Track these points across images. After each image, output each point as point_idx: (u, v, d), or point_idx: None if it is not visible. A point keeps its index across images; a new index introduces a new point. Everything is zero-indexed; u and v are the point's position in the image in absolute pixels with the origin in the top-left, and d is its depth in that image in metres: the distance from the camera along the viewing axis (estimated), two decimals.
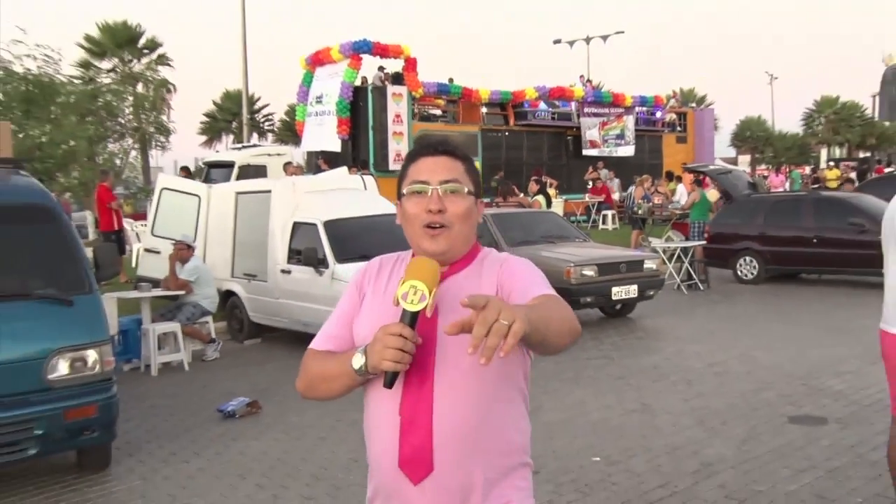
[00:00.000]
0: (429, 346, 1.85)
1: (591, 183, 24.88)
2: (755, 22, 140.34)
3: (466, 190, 1.95)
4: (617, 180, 25.22)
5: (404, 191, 1.97)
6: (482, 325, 1.50)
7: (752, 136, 59.66)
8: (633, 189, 20.75)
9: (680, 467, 5.13)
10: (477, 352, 1.50)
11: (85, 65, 35.99)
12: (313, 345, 2.06)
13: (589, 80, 30.53)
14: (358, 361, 1.83)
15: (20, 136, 16.16)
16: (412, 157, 2.02)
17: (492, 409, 1.90)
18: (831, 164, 36.71)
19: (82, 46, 37.60)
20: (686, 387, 7.15)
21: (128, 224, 16.64)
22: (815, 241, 12.91)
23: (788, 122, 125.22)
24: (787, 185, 30.66)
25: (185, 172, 17.60)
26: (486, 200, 20.97)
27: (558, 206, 21.10)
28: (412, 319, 1.75)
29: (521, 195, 18.05)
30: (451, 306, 1.84)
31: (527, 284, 1.93)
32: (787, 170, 38.13)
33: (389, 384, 1.79)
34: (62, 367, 4.97)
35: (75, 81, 20.98)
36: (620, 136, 28.13)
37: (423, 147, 2.02)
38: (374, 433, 1.95)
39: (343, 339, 2.01)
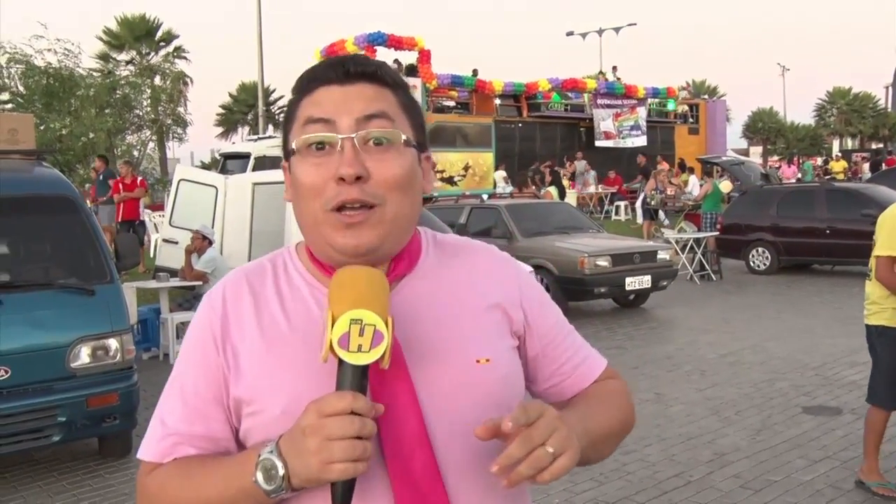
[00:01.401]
0: (405, 405, 1.09)
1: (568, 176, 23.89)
2: (767, 13, 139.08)
3: (403, 138, 1.15)
4: (593, 173, 24.26)
5: (293, 144, 1.15)
6: (524, 445, 1.01)
7: (763, 128, 59.20)
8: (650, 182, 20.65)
9: (695, 457, 5.11)
10: (502, 467, 1.01)
11: (104, 57, 36.22)
12: (154, 455, 1.17)
13: (602, 73, 30.37)
14: (270, 474, 1.03)
15: (42, 128, 16.26)
16: (303, 87, 1.18)
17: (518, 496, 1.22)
18: (838, 155, 36.44)
19: (101, 39, 37.87)
20: (700, 377, 7.11)
21: (146, 215, 16.72)
22: (827, 231, 12.82)
23: (800, 113, 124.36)
24: (799, 177, 30.47)
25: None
26: (498, 191, 21.01)
27: (572, 196, 21.05)
28: (362, 376, 1.02)
29: (534, 187, 18.01)
30: (418, 335, 1.13)
31: (561, 334, 1.30)
32: (799, 161, 37.88)
33: (344, 499, 1.01)
34: (84, 356, 5.01)
35: (94, 74, 21.04)
36: (635, 127, 28.00)
37: (321, 67, 1.17)
38: None
39: (214, 440, 1.16)
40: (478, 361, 1.15)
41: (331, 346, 1.01)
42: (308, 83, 1.17)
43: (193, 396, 1.17)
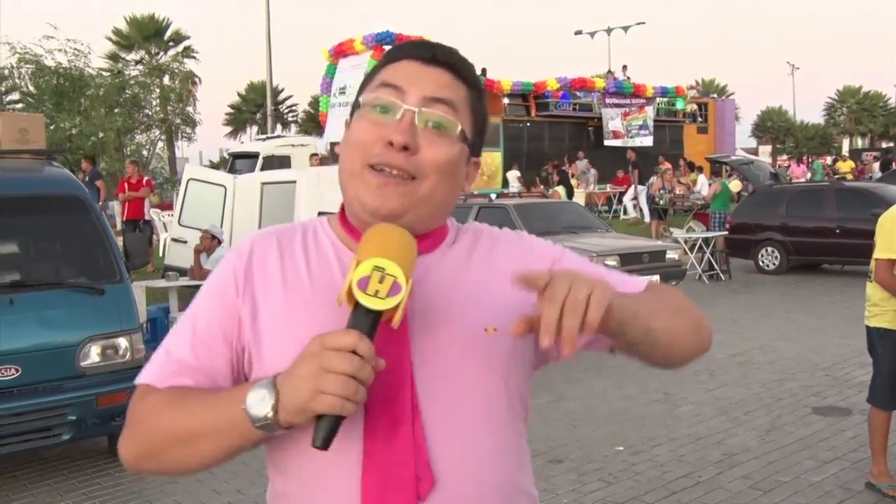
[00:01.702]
0: (400, 372, 1.12)
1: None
2: (776, 12, 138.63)
3: (460, 129, 1.19)
4: (594, 171, 23.88)
5: (360, 99, 1.20)
6: (552, 303, 0.99)
7: (773, 127, 59.04)
8: (654, 179, 20.60)
9: (704, 457, 5.10)
10: (550, 335, 0.99)
11: (113, 57, 36.42)
12: (153, 378, 1.19)
13: (611, 72, 30.30)
14: (261, 402, 1.04)
15: (52, 128, 16.34)
16: (389, 56, 1.24)
17: (508, 456, 1.21)
18: (845, 155, 36.22)
19: (111, 39, 38.09)
20: (709, 377, 7.09)
21: (155, 214, 16.77)
22: (837, 231, 12.76)
23: (810, 112, 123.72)
24: (809, 176, 30.33)
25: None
26: (510, 191, 21.01)
27: (580, 196, 21.01)
28: (371, 326, 1.03)
29: (542, 186, 17.99)
30: (423, 305, 1.15)
31: (610, 278, 1.23)
32: (809, 160, 37.73)
33: (324, 441, 1.01)
34: (94, 355, 5.02)
35: (104, 74, 21.13)
36: (644, 126, 27.92)
37: (411, 45, 1.24)
38: None
39: (212, 375, 1.18)
40: (486, 330, 1.17)
41: (349, 289, 1.03)
42: (396, 52, 1.23)
43: (204, 329, 1.20)
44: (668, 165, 20.70)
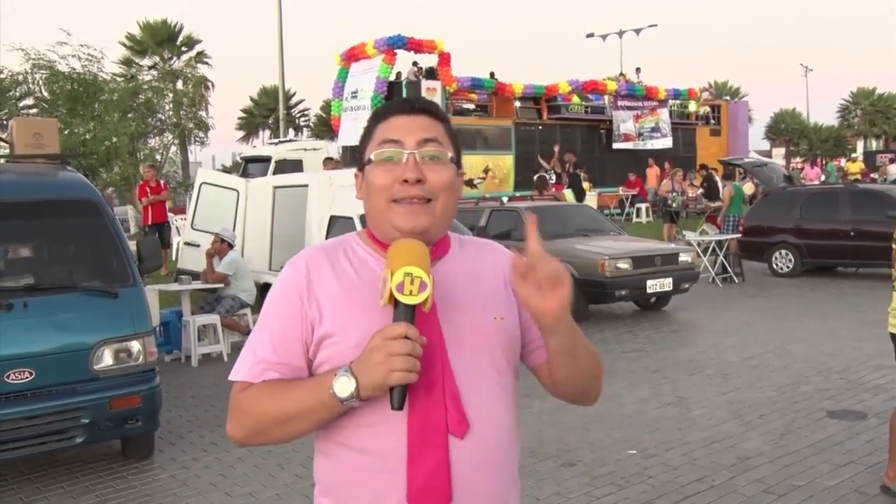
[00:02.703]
0: (434, 344, 1.50)
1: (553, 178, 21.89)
2: (790, 13, 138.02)
3: (449, 156, 1.59)
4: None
5: (370, 156, 1.58)
6: (550, 261, 1.43)
7: (786, 129, 58.68)
8: (665, 183, 20.53)
9: (717, 461, 5.07)
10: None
11: (127, 62, 36.67)
12: (247, 376, 1.57)
13: (622, 74, 30.19)
14: (345, 386, 1.43)
15: (66, 133, 16.42)
16: (379, 116, 1.63)
17: (513, 411, 1.62)
18: (854, 156, 35.76)
19: (124, 45, 38.35)
20: (722, 380, 7.05)
21: (169, 218, 16.84)
22: (852, 233, 12.67)
23: (824, 114, 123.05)
24: (823, 178, 30.12)
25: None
26: (524, 194, 20.97)
27: (592, 199, 20.93)
28: (411, 316, 1.43)
29: (554, 189, 17.94)
30: (448, 297, 1.56)
31: None
32: (823, 162, 37.43)
33: (400, 404, 1.42)
34: (108, 358, 5.05)
35: (118, 79, 21.22)
36: (656, 129, 27.80)
37: (394, 104, 1.64)
38: (361, 475, 1.52)
39: (292, 367, 1.56)
40: (495, 318, 1.59)
41: (390, 293, 1.41)
42: (383, 113, 1.62)
43: (280, 334, 1.57)
44: (656, 170, 20.56)
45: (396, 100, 1.68)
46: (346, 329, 1.53)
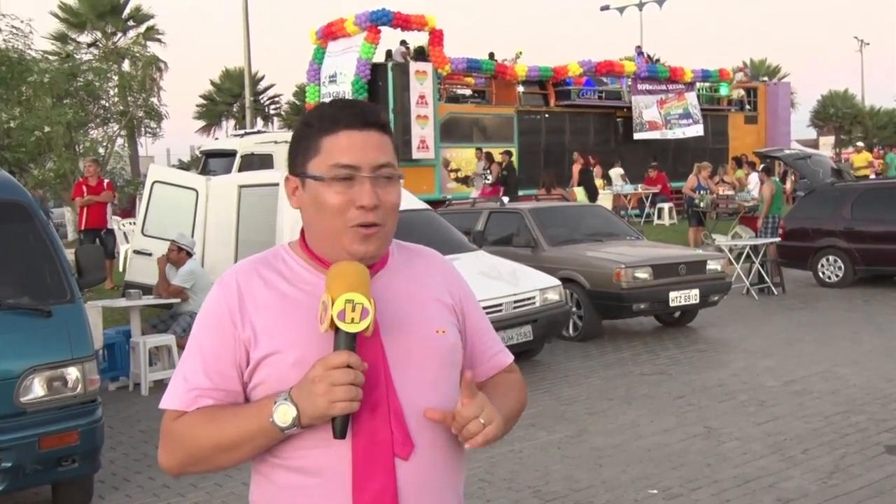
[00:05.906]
0: (377, 365, 1.71)
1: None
2: None
3: (399, 175, 1.80)
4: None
5: (321, 174, 1.74)
6: (460, 422, 1.67)
7: (836, 114, 58.81)
8: (690, 178, 20.58)
9: (753, 503, 5.06)
10: (458, 427, 1.69)
11: (61, 38, 36.40)
12: (180, 404, 1.74)
13: (642, 52, 30.29)
14: (286, 414, 1.62)
15: None
16: (325, 126, 1.77)
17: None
18: (860, 145, 35.16)
19: (57, 16, 38.08)
20: (758, 408, 7.06)
21: (114, 222, 16.77)
22: None
23: (882, 95, 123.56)
24: (879, 171, 30.00)
25: None
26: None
27: (606, 198, 20.94)
28: (353, 342, 1.62)
29: (564, 188, 17.98)
30: (389, 315, 1.75)
31: (484, 326, 1.97)
32: (882, 152, 37.28)
33: (342, 432, 1.62)
34: (38, 388, 4.99)
35: (50, 58, 21.14)
36: (685, 115, 27.83)
37: (342, 112, 1.78)
38: (301, 498, 1.72)
39: (227, 392, 1.74)
40: (437, 331, 1.81)
41: (331, 320, 1.60)
42: (329, 125, 1.76)
43: (213, 359, 1.74)
44: (705, 164, 20.64)
45: (339, 105, 1.82)
46: (284, 349, 1.71)
